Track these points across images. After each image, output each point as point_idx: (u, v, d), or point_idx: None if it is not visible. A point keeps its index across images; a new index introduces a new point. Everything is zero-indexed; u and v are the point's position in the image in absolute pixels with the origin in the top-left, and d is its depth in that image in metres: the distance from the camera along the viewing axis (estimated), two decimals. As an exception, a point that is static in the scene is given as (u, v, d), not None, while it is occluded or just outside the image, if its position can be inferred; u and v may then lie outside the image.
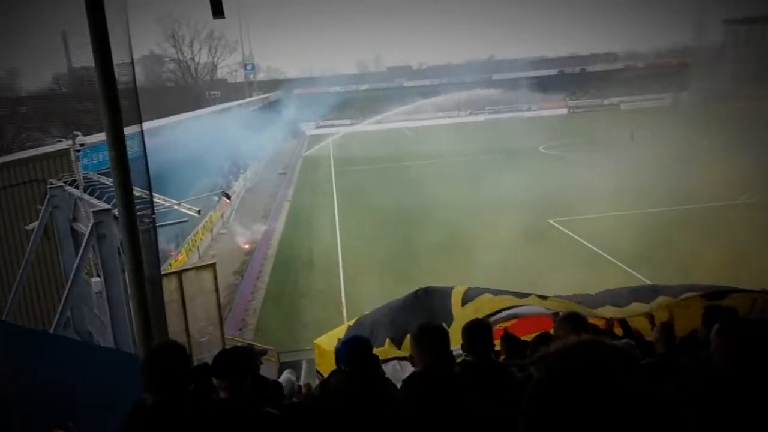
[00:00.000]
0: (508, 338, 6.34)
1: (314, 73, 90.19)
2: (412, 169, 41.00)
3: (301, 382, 10.16)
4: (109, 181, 9.88)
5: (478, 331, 3.74)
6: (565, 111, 78.79)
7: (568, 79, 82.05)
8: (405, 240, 24.05)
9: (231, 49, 77.80)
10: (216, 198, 25.63)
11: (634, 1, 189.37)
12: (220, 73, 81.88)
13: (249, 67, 79.32)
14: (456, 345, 4.01)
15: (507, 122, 69.66)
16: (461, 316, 6.96)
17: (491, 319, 7.16)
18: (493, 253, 19.10)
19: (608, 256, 20.11)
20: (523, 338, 6.51)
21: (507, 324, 7.52)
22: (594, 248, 21.16)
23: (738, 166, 28.74)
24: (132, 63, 4.27)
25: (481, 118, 76.12)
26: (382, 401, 3.47)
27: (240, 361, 3.52)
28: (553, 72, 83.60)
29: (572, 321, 4.00)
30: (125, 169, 3.22)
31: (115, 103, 3.17)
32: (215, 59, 77.81)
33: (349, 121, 74.16)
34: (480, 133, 59.16)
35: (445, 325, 6.95)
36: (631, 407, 1.25)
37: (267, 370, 10.44)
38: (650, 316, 6.89)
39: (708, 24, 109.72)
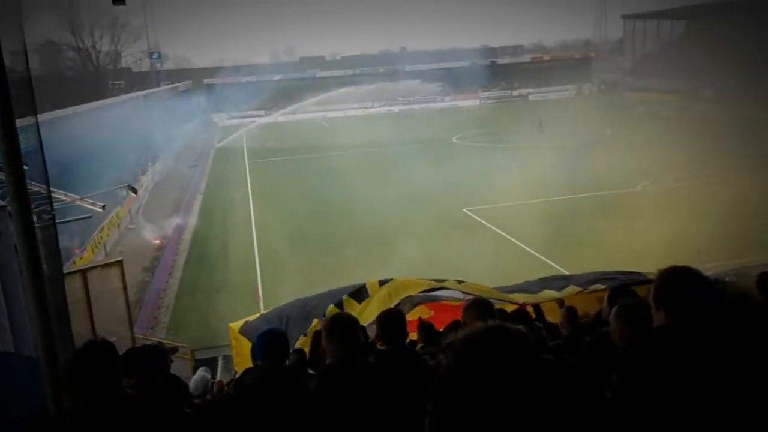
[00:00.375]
0: (424, 327, 6.47)
1: (225, 63, 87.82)
2: (327, 160, 40.76)
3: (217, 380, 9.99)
4: (2, 177, 9.35)
5: (391, 320, 3.79)
6: (477, 102, 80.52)
7: (479, 71, 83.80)
8: (321, 231, 24.01)
9: (135, 36, 74.50)
10: (124, 192, 24.64)
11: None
12: (125, 62, 78.27)
13: (155, 55, 76.34)
14: (371, 318, 4.07)
15: (420, 113, 70.49)
16: (379, 295, 7.18)
17: (416, 294, 7.41)
18: (410, 242, 19.43)
19: (519, 243, 20.79)
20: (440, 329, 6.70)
21: (425, 316, 7.76)
22: (507, 236, 21.82)
23: (637, 154, 30.45)
24: (25, 51, 4.04)
25: (395, 109, 76.57)
26: (298, 395, 3.45)
27: (148, 359, 3.42)
28: (464, 64, 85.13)
29: (478, 307, 4.11)
30: (18, 163, 3.04)
31: (5, 93, 2.98)
32: (118, 47, 74.26)
33: (262, 112, 72.75)
34: (394, 124, 59.54)
35: (360, 300, 7.17)
36: (535, 390, 1.30)
37: (181, 368, 10.18)
38: (560, 302, 7.32)
39: (609, 18, 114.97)
